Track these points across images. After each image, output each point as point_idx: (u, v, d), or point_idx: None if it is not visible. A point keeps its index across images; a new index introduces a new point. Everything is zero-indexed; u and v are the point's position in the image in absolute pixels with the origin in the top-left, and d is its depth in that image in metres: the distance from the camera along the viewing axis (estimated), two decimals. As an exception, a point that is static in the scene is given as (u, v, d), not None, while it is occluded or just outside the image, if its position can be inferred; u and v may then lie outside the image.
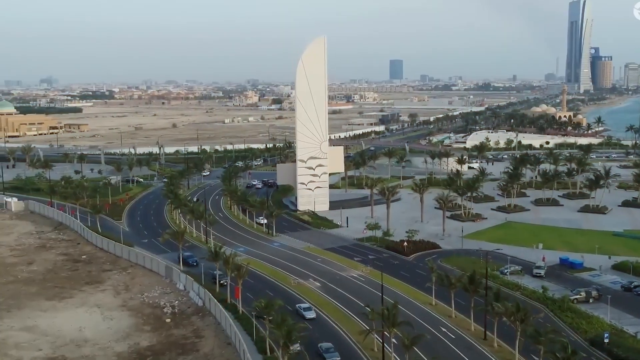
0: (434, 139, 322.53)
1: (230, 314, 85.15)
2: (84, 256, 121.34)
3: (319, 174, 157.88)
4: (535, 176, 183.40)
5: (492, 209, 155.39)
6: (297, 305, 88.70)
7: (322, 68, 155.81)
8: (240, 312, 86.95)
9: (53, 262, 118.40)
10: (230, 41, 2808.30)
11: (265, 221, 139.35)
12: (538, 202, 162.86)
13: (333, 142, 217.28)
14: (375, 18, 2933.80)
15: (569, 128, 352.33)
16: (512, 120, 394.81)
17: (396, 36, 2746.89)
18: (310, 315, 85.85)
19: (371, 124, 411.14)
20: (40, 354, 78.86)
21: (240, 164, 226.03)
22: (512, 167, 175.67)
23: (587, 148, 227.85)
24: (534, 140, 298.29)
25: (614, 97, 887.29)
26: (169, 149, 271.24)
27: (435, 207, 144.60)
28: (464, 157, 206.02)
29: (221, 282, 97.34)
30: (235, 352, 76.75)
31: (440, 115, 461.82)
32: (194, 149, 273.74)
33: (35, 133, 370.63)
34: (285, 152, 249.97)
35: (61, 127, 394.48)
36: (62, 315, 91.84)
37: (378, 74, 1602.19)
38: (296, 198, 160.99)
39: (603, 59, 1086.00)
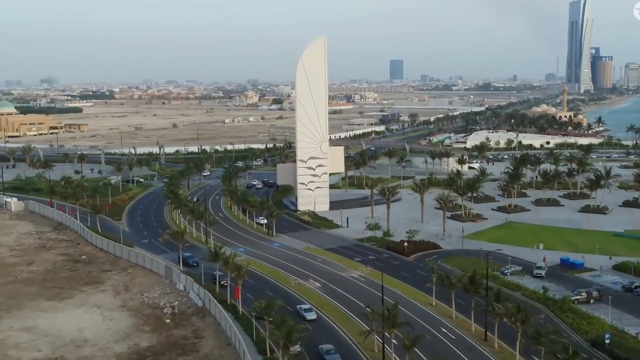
0: (434, 139, 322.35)
1: (230, 314, 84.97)
2: (84, 256, 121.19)
3: (319, 174, 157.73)
4: (536, 176, 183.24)
5: (492, 209, 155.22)
6: (297, 307, 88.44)
7: (322, 68, 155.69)
8: (240, 312, 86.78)
9: (53, 262, 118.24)
10: (230, 41, 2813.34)
11: (265, 221, 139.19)
12: (538, 203, 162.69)
13: (333, 142, 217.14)
14: (375, 18, 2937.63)
15: (570, 128, 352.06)
16: (512, 120, 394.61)
17: (396, 36, 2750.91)
18: (311, 316, 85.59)
19: (371, 124, 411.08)
20: (39, 355, 78.67)
21: (240, 164, 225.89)
22: (512, 167, 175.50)
23: (588, 148, 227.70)
24: (535, 140, 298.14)
25: (614, 97, 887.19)
26: (169, 149, 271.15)
27: (436, 208, 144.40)
28: (465, 157, 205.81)
29: (221, 282, 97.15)
30: (235, 353, 76.56)
31: (441, 115, 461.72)
32: (194, 149, 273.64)
33: (36, 133, 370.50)
34: (285, 152, 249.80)
35: (61, 127, 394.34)
36: (61, 315, 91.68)
37: (378, 74, 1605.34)
38: (296, 198, 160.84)
39: (603, 59, 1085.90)
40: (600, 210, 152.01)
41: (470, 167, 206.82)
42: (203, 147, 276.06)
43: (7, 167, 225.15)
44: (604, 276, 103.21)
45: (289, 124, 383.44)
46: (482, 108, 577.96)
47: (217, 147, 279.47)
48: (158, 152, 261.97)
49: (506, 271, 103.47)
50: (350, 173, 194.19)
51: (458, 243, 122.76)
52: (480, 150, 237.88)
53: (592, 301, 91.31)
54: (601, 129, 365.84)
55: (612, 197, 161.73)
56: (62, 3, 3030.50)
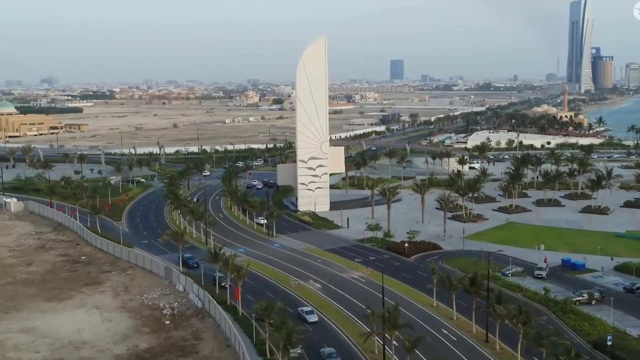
0: (435, 139, 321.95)
1: (229, 315, 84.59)
2: (84, 257, 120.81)
3: (320, 174, 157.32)
4: (537, 177, 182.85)
5: (493, 210, 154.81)
6: (299, 309, 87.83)
7: (322, 68, 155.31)
8: (240, 314, 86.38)
9: (52, 263, 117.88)
10: (230, 41, 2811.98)
11: (266, 222, 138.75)
12: (539, 203, 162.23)
13: (334, 142, 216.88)
14: (375, 18, 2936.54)
15: (570, 128, 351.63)
16: (513, 121, 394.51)
17: (396, 36, 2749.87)
18: (313, 318, 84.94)
19: (372, 124, 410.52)
20: (38, 356, 78.32)
21: (240, 164, 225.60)
22: (513, 168, 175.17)
23: (589, 148, 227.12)
24: (535, 140, 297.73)
25: (615, 97, 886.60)
26: (170, 149, 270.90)
27: (436, 208, 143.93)
28: (465, 157, 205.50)
29: (222, 284, 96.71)
30: (234, 355, 76.18)
31: (441, 116, 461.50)
32: (194, 149, 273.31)
33: (36, 133, 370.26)
34: (285, 152, 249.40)
35: (61, 127, 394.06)
36: (60, 316, 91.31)
37: (379, 74, 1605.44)
38: (296, 198, 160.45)
39: (604, 59, 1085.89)
40: (602, 210, 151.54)
41: (471, 168, 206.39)
42: (203, 147, 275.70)
43: (7, 167, 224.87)
44: (606, 277, 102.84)
45: (289, 124, 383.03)
46: (483, 108, 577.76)
47: (218, 147, 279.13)
48: (158, 152, 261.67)
49: (507, 272, 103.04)
50: (350, 173, 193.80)
51: (459, 244, 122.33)
52: (481, 150, 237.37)
53: (593, 302, 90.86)
54: (602, 129, 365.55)
55: (613, 197, 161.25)
56: (62, 3, 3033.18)
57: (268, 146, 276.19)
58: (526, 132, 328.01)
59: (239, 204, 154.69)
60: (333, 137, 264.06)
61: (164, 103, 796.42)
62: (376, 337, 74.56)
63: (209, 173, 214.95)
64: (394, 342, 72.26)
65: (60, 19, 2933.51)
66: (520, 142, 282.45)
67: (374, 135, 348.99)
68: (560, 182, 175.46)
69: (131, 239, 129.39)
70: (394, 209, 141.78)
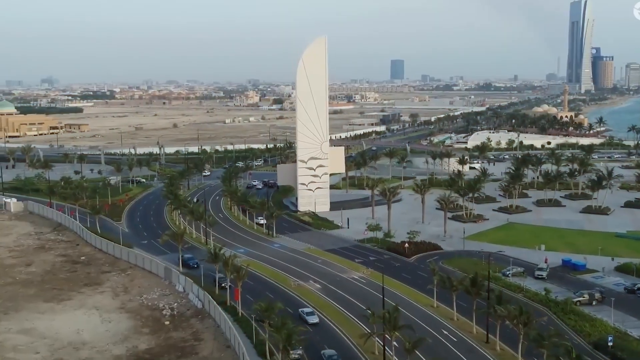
0: (435, 139, 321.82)
1: (229, 316, 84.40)
2: (83, 257, 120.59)
3: (320, 174, 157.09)
4: (537, 177, 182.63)
5: (493, 210, 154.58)
6: (300, 310, 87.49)
7: (322, 68, 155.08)
8: (240, 314, 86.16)
9: (52, 263, 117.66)
10: (230, 41, 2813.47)
11: (265, 222, 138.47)
12: (540, 203, 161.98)
13: (334, 143, 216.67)
14: (375, 18, 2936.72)
15: (571, 128, 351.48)
16: (513, 121, 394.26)
17: (396, 36, 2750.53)
18: (313, 320, 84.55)
19: (372, 124, 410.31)
20: (37, 357, 78.11)
21: (240, 164, 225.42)
22: (513, 168, 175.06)
23: (589, 148, 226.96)
24: (536, 140, 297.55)
25: (615, 97, 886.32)
26: (170, 149, 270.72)
27: (437, 208, 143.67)
28: (465, 157, 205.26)
29: (222, 285, 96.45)
30: (234, 355, 75.95)
31: (442, 116, 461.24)
32: (194, 149, 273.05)
33: (36, 133, 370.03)
34: (285, 152, 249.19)
35: (61, 127, 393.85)
36: (60, 317, 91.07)
37: (379, 74, 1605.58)
38: (297, 199, 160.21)
39: (604, 59, 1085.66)
40: (602, 211, 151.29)
41: (471, 168, 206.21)
42: (203, 148, 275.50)
43: (7, 168, 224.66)
44: (606, 277, 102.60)
45: (289, 124, 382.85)
46: (483, 108, 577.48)
47: (218, 148, 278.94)
48: (158, 152, 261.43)
49: (507, 272, 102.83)
50: (350, 173, 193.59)
51: (459, 244, 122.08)
52: (481, 150, 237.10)
53: (594, 303, 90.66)
54: (602, 129, 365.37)
55: (613, 197, 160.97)
56: (62, 3, 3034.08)
57: (268, 146, 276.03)
58: (526, 132, 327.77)
59: (239, 204, 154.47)
60: (333, 137, 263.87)
61: (164, 103, 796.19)
62: (376, 338, 74.32)
63: (209, 173, 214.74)
64: (394, 343, 72.06)
65: (60, 19, 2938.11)
66: (521, 142, 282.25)
67: (374, 135, 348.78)
68: (561, 183, 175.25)
69: (131, 239, 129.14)
70: (394, 209, 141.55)
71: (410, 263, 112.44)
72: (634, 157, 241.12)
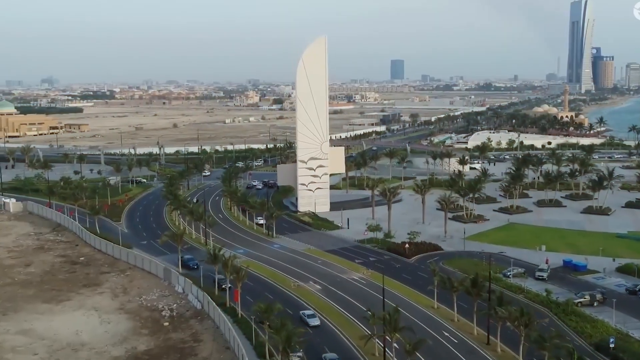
0: (436, 140, 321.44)
1: (229, 317, 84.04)
2: (82, 258, 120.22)
3: (320, 174, 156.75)
4: (538, 177, 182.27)
5: (494, 210, 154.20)
6: (300, 312, 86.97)
7: (322, 68, 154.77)
8: (240, 315, 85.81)
9: (51, 263, 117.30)
10: (230, 41, 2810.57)
11: (265, 222, 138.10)
12: (540, 203, 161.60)
13: (334, 143, 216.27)
14: (375, 18, 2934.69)
15: (571, 128, 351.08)
16: (513, 121, 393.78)
17: (396, 36, 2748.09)
18: (315, 322, 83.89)
19: (372, 124, 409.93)
20: (36, 358, 77.79)
21: (240, 164, 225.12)
22: (514, 168, 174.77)
23: (590, 148, 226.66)
24: (536, 140, 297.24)
25: (615, 97, 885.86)
26: (169, 149, 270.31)
27: (437, 209, 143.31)
28: (466, 157, 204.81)
29: (222, 286, 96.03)
30: (234, 357, 75.59)
31: (442, 116, 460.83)
32: (194, 149, 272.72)
33: (36, 133, 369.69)
34: (285, 152, 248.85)
35: (61, 127, 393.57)
36: (59, 318, 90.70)
37: (379, 74, 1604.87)
38: (297, 199, 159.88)
39: (604, 59, 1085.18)
40: (603, 211, 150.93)
41: (471, 168, 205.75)
42: (203, 148, 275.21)
43: (6, 168, 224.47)
44: (608, 278, 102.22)
45: (289, 124, 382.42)
46: (483, 108, 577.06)
47: (218, 148, 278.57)
48: (158, 152, 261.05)
49: (508, 273, 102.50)
50: (351, 174, 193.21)
51: (460, 244, 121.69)
52: (482, 150, 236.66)
53: (595, 304, 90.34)
54: (603, 129, 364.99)
55: (614, 198, 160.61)
56: (62, 3, 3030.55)
57: (268, 146, 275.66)
58: (527, 132, 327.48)
59: (239, 204, 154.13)
60: (333, 137, 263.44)
61: (164, 103, 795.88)
62: (377, 340, 73.96)
63: (208, 173, 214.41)
64: (395, 345, 71.72)
65: (60, 19, 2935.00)
66: (521, 143, 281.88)
67: (374, 135, 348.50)
68: (562, 183, 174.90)
69: (130, 240, 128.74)
70: (394, 210, 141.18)
71: (411, 264, 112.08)
72: (634, 157, 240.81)
